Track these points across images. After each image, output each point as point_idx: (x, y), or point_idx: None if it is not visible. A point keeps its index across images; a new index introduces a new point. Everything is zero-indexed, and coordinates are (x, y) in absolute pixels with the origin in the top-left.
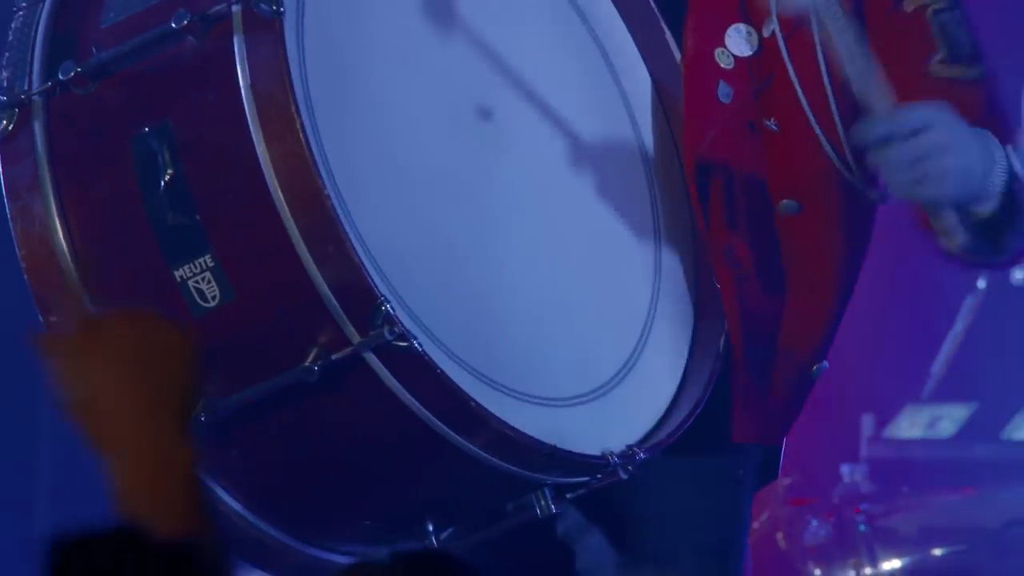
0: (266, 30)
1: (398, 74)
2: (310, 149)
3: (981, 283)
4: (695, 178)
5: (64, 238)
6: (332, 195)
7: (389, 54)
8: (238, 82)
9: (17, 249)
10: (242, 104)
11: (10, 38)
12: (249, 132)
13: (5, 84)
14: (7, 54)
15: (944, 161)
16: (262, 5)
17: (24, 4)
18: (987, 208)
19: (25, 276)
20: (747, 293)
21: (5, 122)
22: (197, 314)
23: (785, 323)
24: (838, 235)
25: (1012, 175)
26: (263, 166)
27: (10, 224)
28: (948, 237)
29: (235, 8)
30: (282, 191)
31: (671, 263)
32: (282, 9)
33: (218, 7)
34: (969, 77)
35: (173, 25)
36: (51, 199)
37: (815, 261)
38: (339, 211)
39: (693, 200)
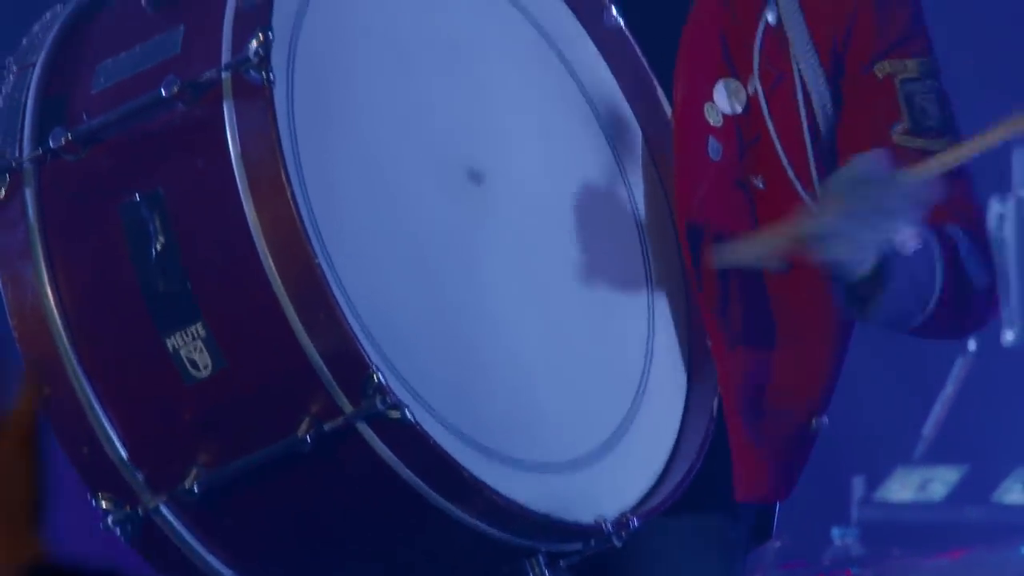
0: (256, 97)
1: (389, 138)
2: (300, 216)
3: (972, 345)
4: (687, 237)
5: (55, 305)
6: (323, 262)
7: (379, 119)
8: (228, 149)
9: (9, 317)
10: (232, 171)
11: (0, 103)
12: (240, 199)
13: None
14: None
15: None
16: (252, 72)
17: (15, 68)
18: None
19: (17, 344)
20: (740, 351)
21: None
22: (189, 383)
23: (779, 380)
24: (828, 291)
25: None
26: (253, 233)
27: (1, 291)
28: None
29: (225, 75)
30: (272, 259)
31: (664, 323)
32: (272, 76)
33: (208, 74)
34: (932, 150)
35: (163, 92)
36: (42, 266)
37: (806, 317)
38: (330, 278)
39: (686, 259)
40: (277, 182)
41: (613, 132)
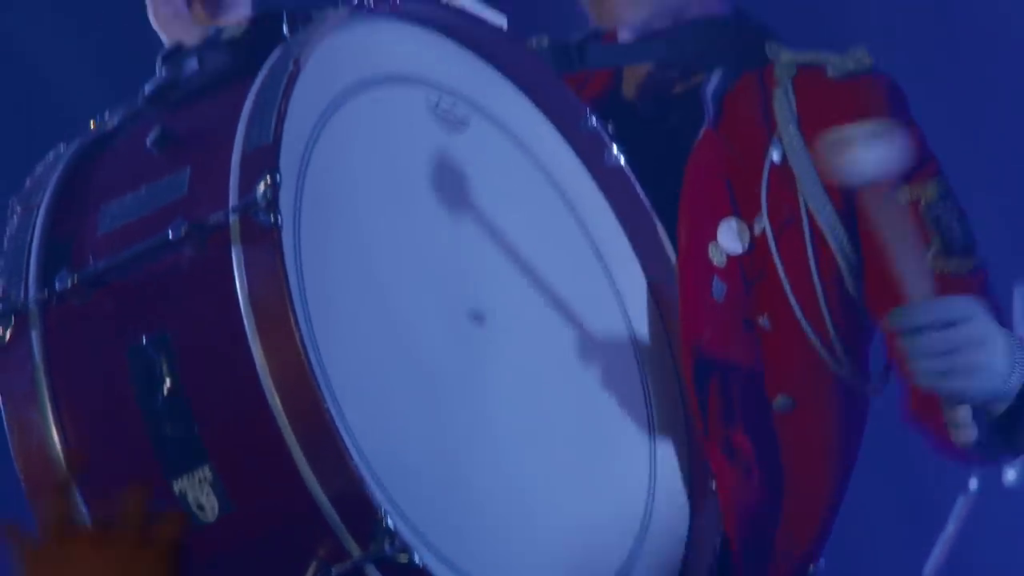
0: (264, 240)
1: (393, 279)
2: (309, 361)
3: (973, 484)
4: (692, 376)
5: (61, 448)
6: (331, 407)
7: (384, 259)
8: (236, 293)
9: (14, 458)
10: (241, 315)
11: (5, 245)
12: (248, 344)
13: (1, 292)
14: (2, 261)
15: (975, 357)
16: (260, 215)
17: (19, 208)
18: (1003, 407)
19: (23, 485)
20: (744, 490)
21: (1, 330)
22: (196, 527)
23: (783, 521)
24: (833, 431)
25: None
26: (262, 377)
27: (7, 433)
28: (960, 431)
29: (233, 218)
30: (281, 403)
31: (666, 461)
32: (281, 219)
33: (215, 217)
34: (965, 270)
35: (170, 235)
36: (48, 409)
37: (811, 458)
38: (338, 423)
39: (691, 398)
40: (286, 327)
41: (614, 272)
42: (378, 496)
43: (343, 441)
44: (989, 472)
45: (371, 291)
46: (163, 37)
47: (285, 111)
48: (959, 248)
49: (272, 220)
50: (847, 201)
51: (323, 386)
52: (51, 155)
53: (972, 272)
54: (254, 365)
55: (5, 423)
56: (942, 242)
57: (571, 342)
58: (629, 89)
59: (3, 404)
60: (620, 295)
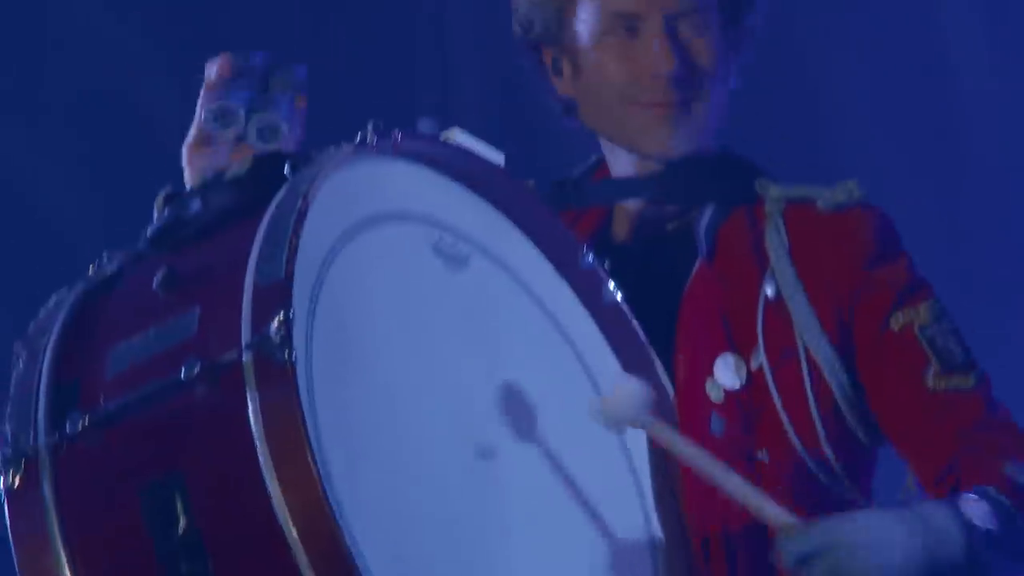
0: (279, 377)
1: (404, 415)
2: (326, 497)
3: None
4: (695, 518)
5: None
6: (350, 543)
7: (395, 395)
8: (251, 431)
9: None
10: (256, 454)
11: (11, 390)
12: (264, 482)
13: (10, 437)
14: (10, 406)
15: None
16: (275, 352)
17: (24, 354)
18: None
19: None
20: None
21: (12, 475)
22: None
23: None
24: None
25: (972, 529)
26: (279, 514)
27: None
28: None
29: (246, 356)
30: (300, 540)
31: None
32: (295, 356)
33: (228, 355)
34: (965, 386)
35: (183, 375)
36: (61, 553)
37: None
38: (357, 559)
39: (693, 540)
40: (303, 464)
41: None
42: None
43: None
44: None
45: (383, 425)
46: (187, 174)
47: (296, 247)
48: (958, 365)
49: (286, 357)
50: (843, 335)
51: (341, 523)
52: (53, 299)
53: (975, 387)
54: (271, 502)
55: (18, 569)
56: (940, 362)
57: (573, 477)
58: (620, 226)
59: (15, 550)
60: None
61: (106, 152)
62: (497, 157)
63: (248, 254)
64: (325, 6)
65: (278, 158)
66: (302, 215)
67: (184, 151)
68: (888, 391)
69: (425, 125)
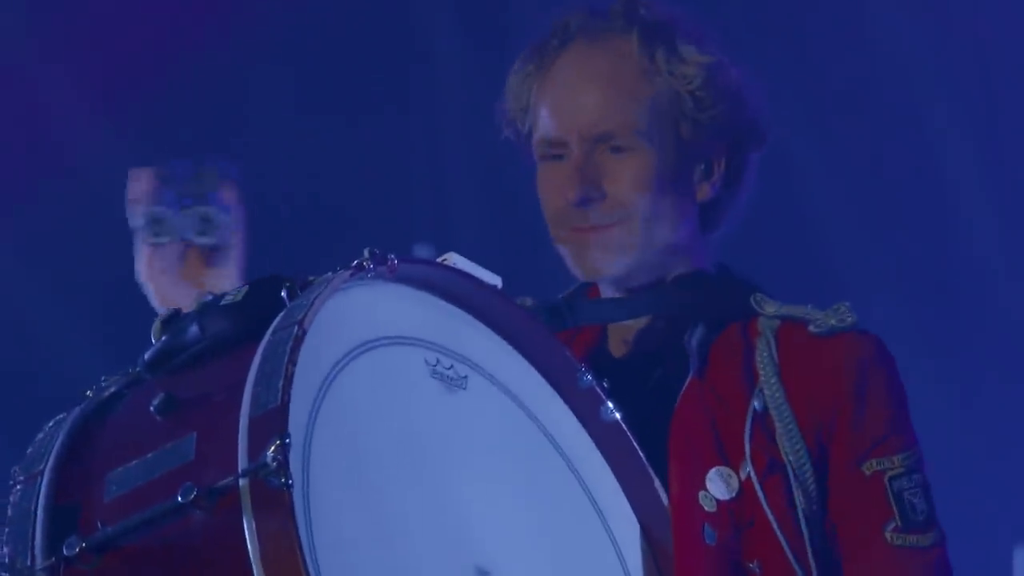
0: (275, 503)
1: (401, 535)
2: None
3: None
4: None
5: None
6: None
7: (392, 517)
8: (248, 555)
9: None
10: None
11: (9, 512)
12: None
13: (7, 560)
14: (7, 529)
15: None
16: (270, 478)
17: (22, 478)
18: None
19: None
20: None
21: None
22: None
23: None
24: None
25: None
26: None
27: None
28: None
29: (243, 482)
30: None
31: None
32: (290, 481)
33: (225, 481)
34: (921, 545)
35: (180, 499)
36: None
37: None
38: None
39: None
40: None
41: (611, 524)
42: None
43: None
44: None
45: (380, 547)
46: (149, 291)
47: (292, 375)
48: (918, 523)
49: (282, 482)
50: (821, 456)
51: None
52: (50, 424)
53: (930, 546)
54: None
55: None
56: (902, 518)
57: None
58: (616, 343)
59: None
60: (618, 547)
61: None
62: (494, 280)
63: (245, 380)
64: (322, 130)
65: (275, 282)
66: (298, 343)
67: (138, 271)
68: (848, 530)
69: (422, 251)
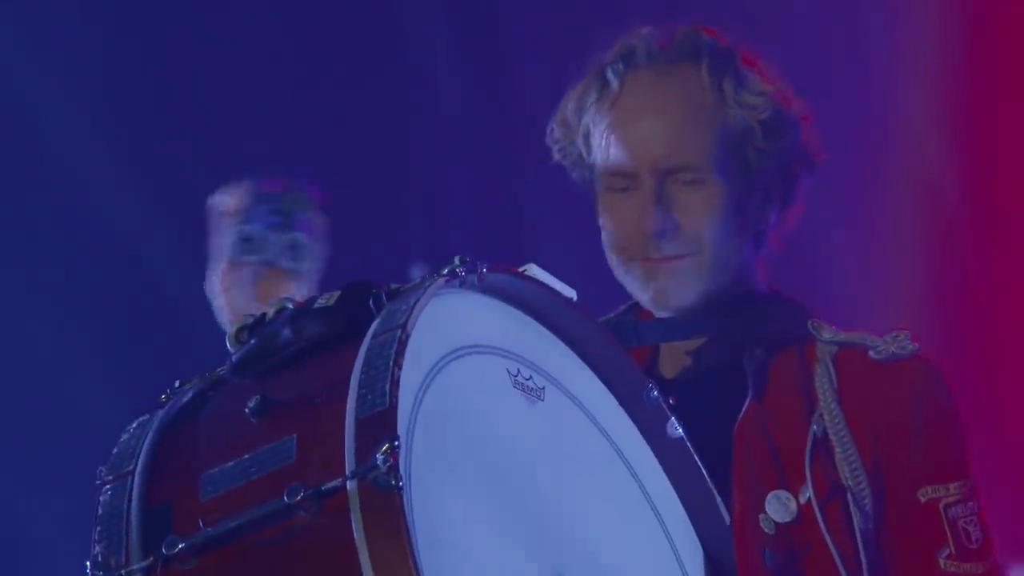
0: (385, 505)
1: (491, 540)
2: None
3: None
4: None
5: None
6: None
7: (483, 522)
8: (358, 558)
9: None
10: None
11: (99, 511)
12: None
13: (100, 559)
14: (98, 528)
15: None
16: (380, 480)
17: (110, 478)
18: None
19: None
20: None
21: None
22: None
23: None
24: None
25: None
26: None
27: None
28: None
29: (351, 484)
30: None
31: None
32: (402, 483)
33: (333, 482)
34: (975, 572)
35: (286, 499)
36: None
37: None
38: None
39: None
40: None
41: (675, 540)
42: None
43: None
44: None
45: (474, 549)
46: (219, 305)
47: (399, 378)
48: (972, 552)
49: (393, 484)
50: (877, 480)
51: None
52: (134, 425)
53: (984, 574)
54: None
55: None
56: (956, 546)
57: None
58: (667, 364)
59: None
60: (681, 561)
61: (104, 305)
62: (569, 292)
63: (346, 382)
64: (322, 158)
65: (366, 287)
66: (403, 345)
67: (213, 281)
68: (903, 556)
69: (417, 271)
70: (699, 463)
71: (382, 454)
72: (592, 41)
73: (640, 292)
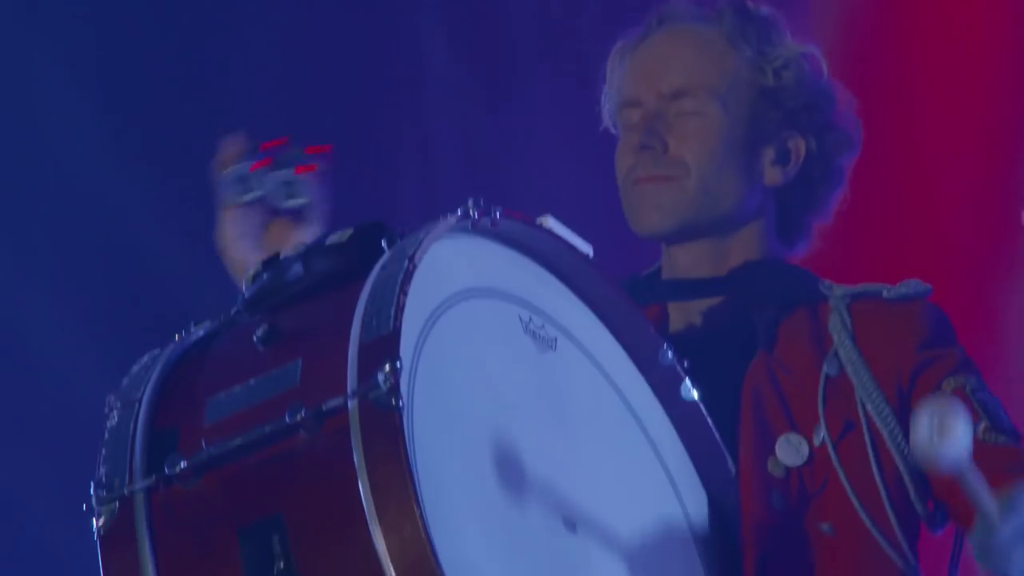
0: (386, 424)
1: (495, 475)
2: (430, 540)
3: None
4: None
5: None
6: None
7: (486, 457)
8: (356, 476)
9: None
10: (359, 498)
11: (105, 436)
12: (367, 524)
13: (104, 479)
14: (103, 451)
15: None
16: (381, 400)
17: (117, 404)
18: None
19: None
20: None
21: (105, 517)
22: None
23: None
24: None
25: None
26: (381, 558)
27: None
28: None
29: (352, 403)
30: None
31: None
32: (402, 403)
33: (333, 402)
34: (1012, 445)
35: (287, 419)
36: None
37: None
38: None
39: None
40: (407, 507)
41: (682, 493)
42: None
43: None
44: None
45: (475, 484)
46: (228, 260)
47: (403, 304)
48: (1006, 429)
49: (392, 404)
50: (902, 405)
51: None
52: (146, 357)
53: (1018, 447)
54: (372, 545)
55: None
56: (990, 420)
57: (645, 551)
58: (676, 323)
59: None
60: (688, 513)
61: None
62: (586, 248)
63: (353, 311)
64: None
65: (378, 227)
66: (409, 275)
67: (220, 235)
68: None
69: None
70: (711, 424)
71: (383, 374)
72: None
73: (629, 218)
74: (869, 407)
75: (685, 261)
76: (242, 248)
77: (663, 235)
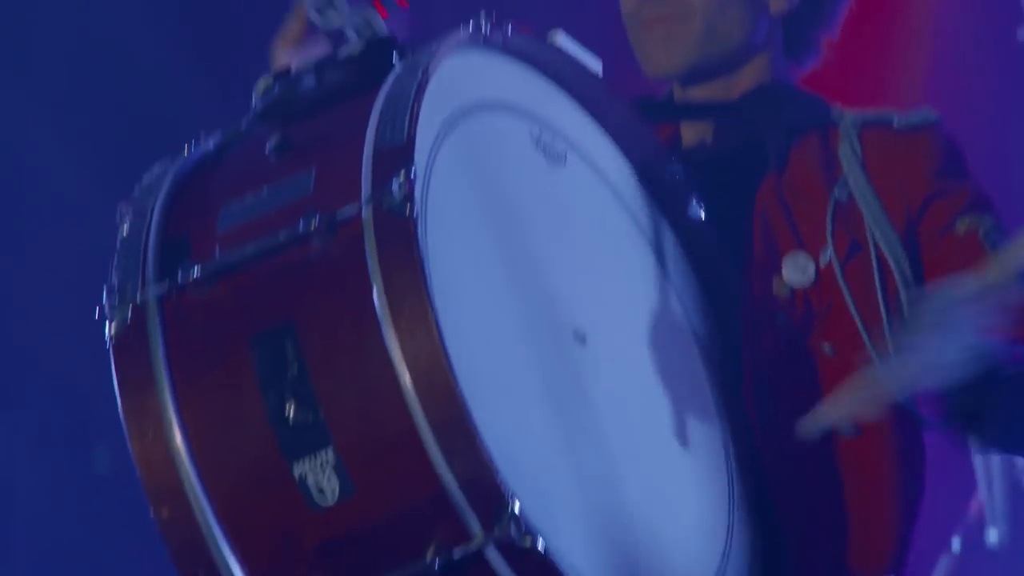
0: (399, 231)
1: (504, 289)
2: (445, 347)
3: (956, 545)
4: (754, 406)
5: (180, 435)
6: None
7: (497, 270)
8: (370, 281)
9: (130, 445)
10: (373, 302)
11: (117, 245)
12: (380, 330)
13: (116, 286)
14: (115, 259)
15: None
16: (395, 207)
17: (130, 212)
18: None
19: (138, 472)
20: (813, 515)
21: (118, 324)
22: (314, 510)
23: (852, 545)
24: (895, 456)
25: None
26: (395, 362)
27: (123, 420)
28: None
29: (366, 210)
30: (414, 386)
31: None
32: (415, 212)
33: (347, 209)
34: None
35: (300, 228)
36: (167, 397)
37: (874, 483)
38: (469, 410)
39: (754, 429)
40: (421, 313)
41: (687, 307)
42: (508, 482)
43: (474, 424)
44: (972, 533)
45: (486, 294)
46: (276, 59)
47: (417, 114)
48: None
49: (408, 211)
50: (910, 233)
51: (456, 372)
52: (156, 166)
53: None
54: (386, 350)
55: (122, 416)
56: None
57: (653, 365)
58: (689, 142)
59: (119, 391)
60: (692, 325)
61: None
62: (595, 64)
63: (366, 121)
64: None
65: (390, 42)
66: (422, 86)
67: (278, 41)
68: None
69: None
70: (718, 246)
71: (398, 182)
72: None
73: (640, 60)
74: (876, 231)
75: (697, 95)
76: (291, 54)
77: (673, 75)
